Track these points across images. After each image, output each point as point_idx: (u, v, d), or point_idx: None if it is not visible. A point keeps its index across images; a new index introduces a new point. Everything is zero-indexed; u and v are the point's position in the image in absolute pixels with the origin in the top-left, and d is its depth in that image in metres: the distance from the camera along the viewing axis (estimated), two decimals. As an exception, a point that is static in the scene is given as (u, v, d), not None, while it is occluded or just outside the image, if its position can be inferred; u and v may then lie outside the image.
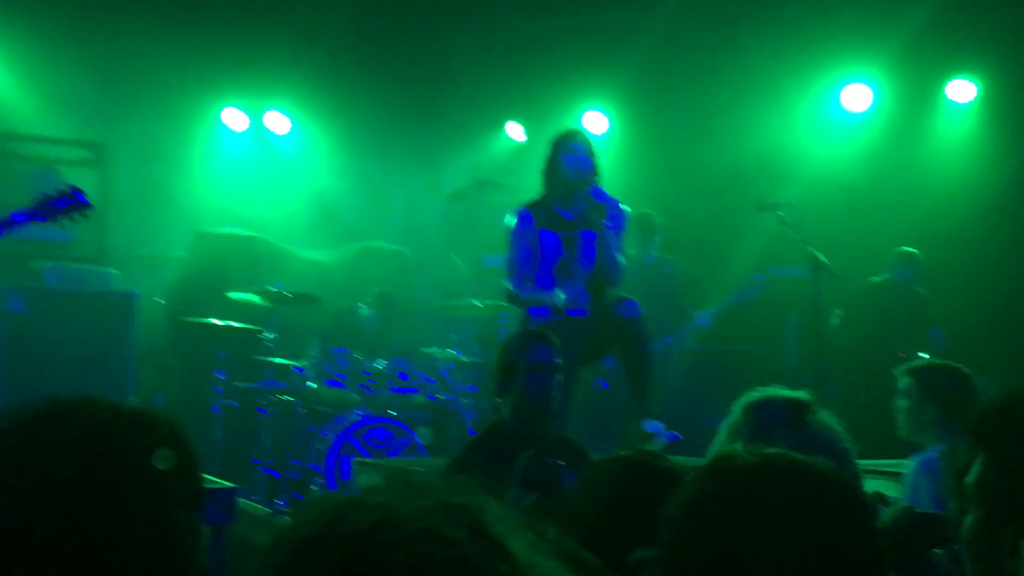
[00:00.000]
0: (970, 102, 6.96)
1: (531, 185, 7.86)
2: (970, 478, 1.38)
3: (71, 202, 3.82)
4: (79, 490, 1.18)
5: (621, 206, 4.56)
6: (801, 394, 2.02)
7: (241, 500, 4.29)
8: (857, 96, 7.17)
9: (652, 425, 4.25)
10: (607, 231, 4.43)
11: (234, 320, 6.18)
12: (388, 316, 6.51)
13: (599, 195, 4.40)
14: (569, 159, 4.42)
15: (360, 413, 5.81)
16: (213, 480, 3.22)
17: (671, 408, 4.97)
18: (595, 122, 8.05)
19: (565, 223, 4.46)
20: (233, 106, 7.88)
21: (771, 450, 1.19)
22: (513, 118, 8.25)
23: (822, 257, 5.08)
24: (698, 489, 1.13)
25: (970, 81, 6.93)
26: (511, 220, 4.55)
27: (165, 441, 1.28)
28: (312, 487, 5.63)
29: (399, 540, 0.61)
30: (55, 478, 1.18)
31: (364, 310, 6.55)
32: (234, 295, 6.10)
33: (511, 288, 4.52)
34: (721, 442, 1.93)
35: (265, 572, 0.63)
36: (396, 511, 0.63)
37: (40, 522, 1.13)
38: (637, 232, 5.91)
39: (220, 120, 7.90)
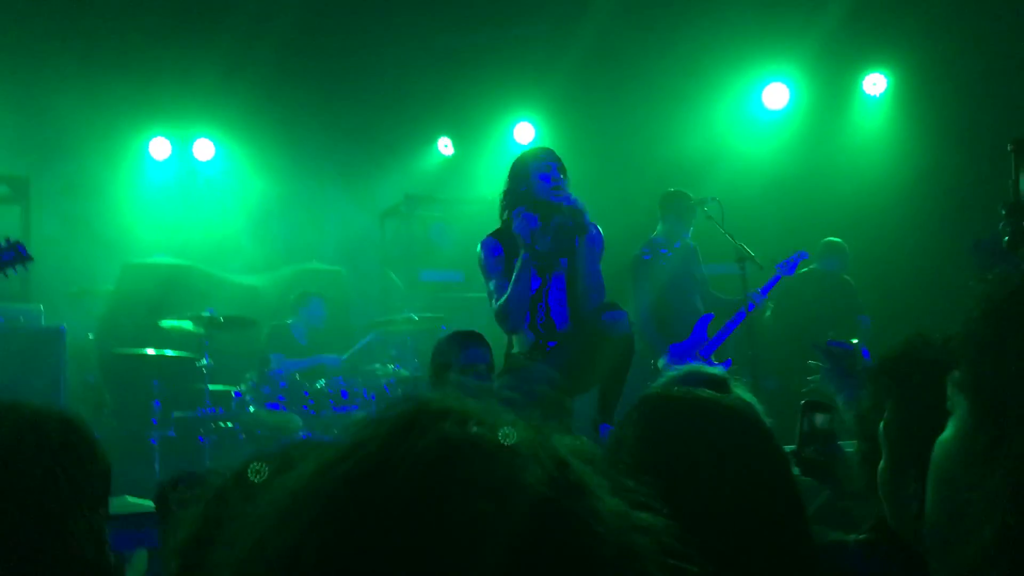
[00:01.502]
0: (881, 95, 7.19)
1: (463, 197, 7.96)
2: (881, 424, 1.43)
3: (13, 255, 3.87)
4: None
5: (595, 227, 4.26)
6: (718, 371, 2.09)
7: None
8: (776, 94, 7.36)
9: (606, 428, 4.16)
10: (584, 251, 4.13)
11: (168, 349, 6.08)
12: (316, 314, 6.45)
13: (574, 210, 4.09)
14: (545, 177, 4.10)
15: (302, 435, 5.74)
16: (153, 506, 3.15)
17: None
18: (523, 133, 8.12)
19: (538, 253, 4.08)
20: (160, 135, 7.77)
21: None
22: (443, 133, 8.28)
23: (748, 250, 5.20)
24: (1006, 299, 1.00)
25: (881, 74, 7.16)
26: (478, 251, 4.22)
27: (57, 443, 1.27)
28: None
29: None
30: None
31: (291, 322, 6.49)
32: (166, 323, 6.00)
33: (500, 305, 4.11)
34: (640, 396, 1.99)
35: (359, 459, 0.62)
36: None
37: None
38: (671, 212, 5.66)
39: (146, 151, 7.78)
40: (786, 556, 1.20)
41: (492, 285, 4.17)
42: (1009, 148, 1.72)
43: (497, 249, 4.15)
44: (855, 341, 5.50)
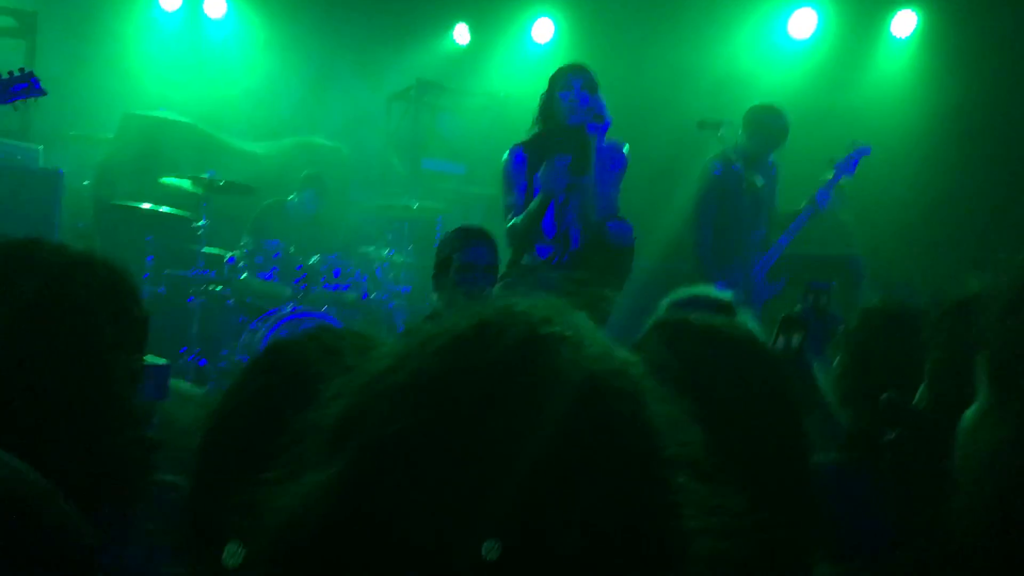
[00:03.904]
0: (911, 34, 7.07)
1: (474, 89, 7.83)
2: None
3: (26, 85, 3.73)
4: (16, 318, 1.18)
5: (623, 148, 4.26)
6: (725, 294, 2.12)
7: (172, 380, 4.28)
8: (803, 22, 7.21)
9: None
10: (604, 177, 4.11)
11: (165, 206, 6.04)
12: (317, 200, 6.41)
13: (597, 137, 4.06)
14: (565, 96, 4.06)
15: (291, 307, 5.79)
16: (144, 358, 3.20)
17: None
18: (543, 29, 7.95)
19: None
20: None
21: None
22: (460, 19, 8.09)
23: (759, 181, 5.18)
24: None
25: (912, 11, 7.02)
26: (503, 158, 4.21)
27: (104, 283, 1.29)
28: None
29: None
30: None
31: (294, 198, 6.45)
32: (166, 180, 5.96)
33: (513, 223, 4.12)
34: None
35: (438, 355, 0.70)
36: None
37: None
38: (752, 126, 5.21)
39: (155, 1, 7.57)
40: (787, 487, 1.26)
41: (510, 200, 4.15)
42: None
43: (522, 159, 4.14)
44: (833, 283, 5.48)
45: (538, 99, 4.29)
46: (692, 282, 5.20)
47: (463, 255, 3.45)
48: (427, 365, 0.68)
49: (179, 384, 5.13)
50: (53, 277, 1.23)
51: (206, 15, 7.75)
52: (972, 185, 6.31)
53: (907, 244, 5.84)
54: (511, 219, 4.12)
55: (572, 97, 4.06)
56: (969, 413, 1.08)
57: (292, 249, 5.97)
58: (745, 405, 1.22)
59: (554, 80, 4.19)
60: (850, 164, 5.19)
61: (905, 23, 7.06)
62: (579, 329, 0.70)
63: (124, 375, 1.26)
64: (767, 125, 5.27)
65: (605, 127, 4.08)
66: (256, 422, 0.99)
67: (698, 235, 5.29)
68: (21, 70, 3.83)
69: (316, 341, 1.08)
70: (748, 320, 2.10)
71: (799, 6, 7.19)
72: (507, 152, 4.22)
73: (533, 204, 4.03)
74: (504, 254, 4.12)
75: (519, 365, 0.66)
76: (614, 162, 4.19)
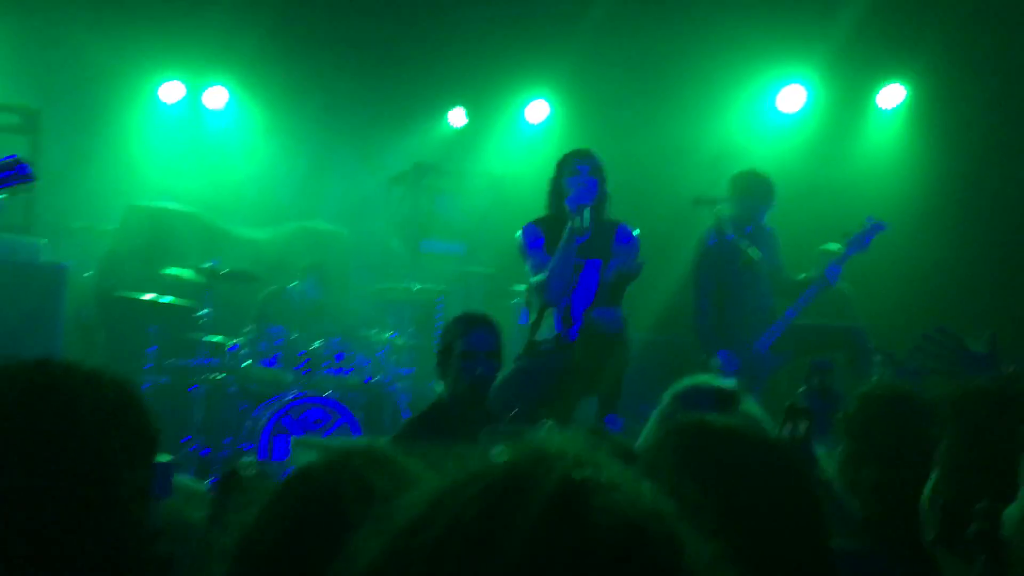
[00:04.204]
0: (898, 106, 7.21)
1: (471, 170, 7.96)
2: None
3: (12, 172, 3.68)
4: (29, 445, 1.19)
5: (633, 232, 4.38)
6: (728, 383, 2.13)
7: (176, 475, 4.24)
8: (792, 97, 7.37)
9: (609, 416, 4.22)
10: (616, 260, 4.25)
11: (167, 296, 6.09)
12: (320, 288, 6.46)
13: (607, 222, 4.28)
14: (573, 181, 4.23)
15: (295, 393, 5.78)
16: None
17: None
18: (538, 110, 8.11)
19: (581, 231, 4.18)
20: (174, 79, 7.72)
21: None
22: (456, 103, 8.26)
23: (755, 254, 5.22)
24: None
25: (900, 85, 7.17)
26: (517, 235, 4.37)
27: (114, 402, 1.30)
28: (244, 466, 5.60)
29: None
30: (6, 432, 1.19)
31: (296, 286, 6.50)
32: (168, 271, 6.01)
33: (540, 276, 4.23)
34: (651, 429, 2.04)
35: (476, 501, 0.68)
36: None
37: None
38: (741, 193, 5.28)
39: (157, 93, 7.74)
40: None
41: (530, 264, 4.29)
42: None
43: (538, 234, 4.30)
44: (836, 359, 5.45)
45: (536, 179, 4.44)
46: (694, 354, 5.28)
47: (465, 342, 3.46)
48: (461, 519, 0.67)
49: (182, 480, 5.09)
50: (63, 403, 1.24)
51: (206, 106, 7.91)
52: (965, 255, 6.36)
53: (904, 315, 5.86)
54: (536, 276, 4.24)
55: (580, 181, 4.20)
56: (1014, 510, 1.09)
57: (295, 335, 5.99)
58: (769, 506, 1.23)
59: (560, 166, 4.35)
60: (864, 239, 5.18)
61: (892, 96, 7.21)
62: (610, 470, 0.70)
63: (135, 494, 1.26)
64: (752, 188, 5.34)
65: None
66: (284, 563, 0.99)
67: (697, 306, 5.31)
68: (10, 157, 3.73)
69: (348, 470, 1.06)
70: (752, 407, 2.11)
71: (788, 82, 7.35)
72: (520, 230, 4.39)
73: (562, 239, 4.14)
74: (511, 335, 4.18)
75: (557, 520, 0.65)
76: (624, 240, 4.33)
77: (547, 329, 4.28)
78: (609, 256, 4.28)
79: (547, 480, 0.67)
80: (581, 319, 4.17)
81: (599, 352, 4.03)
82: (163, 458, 3.16)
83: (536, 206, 4.52)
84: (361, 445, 1.16)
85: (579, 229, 4.13)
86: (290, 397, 5.72)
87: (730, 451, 1.27)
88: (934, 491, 1.43)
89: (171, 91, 7.76)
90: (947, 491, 1.37)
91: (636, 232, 4.43)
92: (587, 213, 4.13)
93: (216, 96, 7.89)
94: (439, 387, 3.57)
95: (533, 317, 4.37)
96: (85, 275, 6.84)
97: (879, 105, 7.25)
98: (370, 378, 6.16)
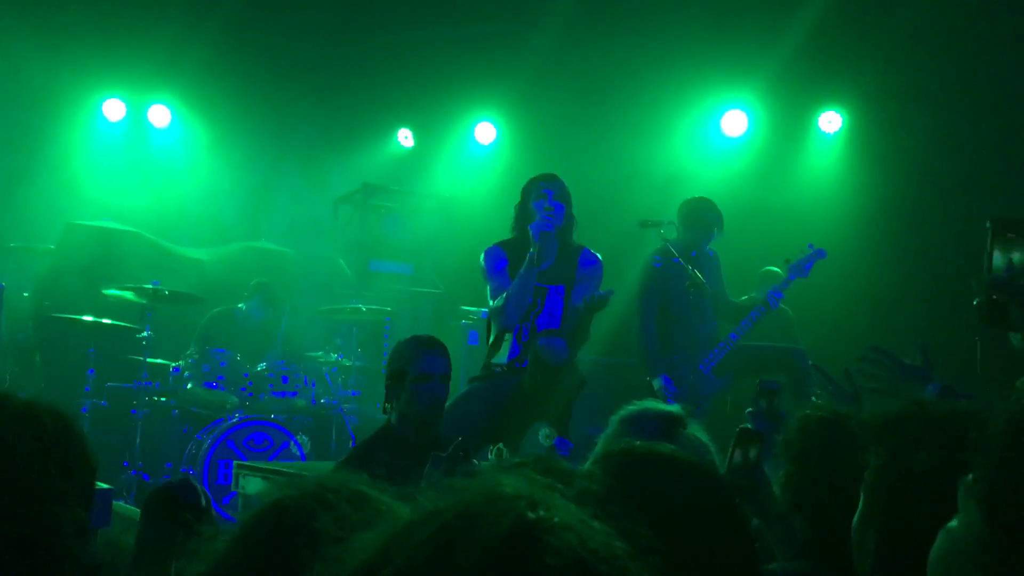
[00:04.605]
0: (837, 131, 7.39)
1: (420, 191, 7.96)
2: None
3: None
4: None
5: (596, 256, 4.45)
6: (674, 408, 2.16)
7: (115, 502, 4.14)
8: (735, 121, 7.51)
9: (559, 440, 4.22)
10: (579, 285, 4.31)
11: (107, 317, 5.97)
12: (266, 309, 6.37)
13: (571, 246, 4.34)
14: (539, 205, 4.26)
15: (239, 416, 5.70)
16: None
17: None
18: (485, 132, 8.15)
19: (541, 258, 4.25)
20: (115, 97, 7.60)
21: None
22: (403, 124, 8.26)
23: (699, 277, 5.29)
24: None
25: (837, 112, 7.36)
26: (480, 259, 4.40)
27: (51, 436, 1.28)
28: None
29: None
30: None
31: (242, 307, 6.41)
32: (108, 291, 5.89)
33: (497, 301, 4.26)
34: (598, 454, 2.06)
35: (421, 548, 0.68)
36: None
37: None
38: (689, 219, 5.37)
39: (99, 111, 7.61)
40: None
41: (491, 286, 4.32)
42: (988, 225, 1.81)
43: (501, 255, 4.34)
44: (782, 382, 5.54)
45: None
46: (641, 376, 5.32)
47: (417, 366, 3.45)
48: (414, 561, 0.66)
49: (121, 507, 4.97)
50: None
51: (151, 124, 7.80)
52: (900, 275, 6.53)
53: (843, 336, 5.99)
54: (495, 300, 4.26)
55: (547, 206, 4.26)
56: (944, 542, 1.11)
57: (239, 357, 5.91)
58: (696, 530, 1.24)
59: (527, 190, 4.39)
60: (805, 266, 5.33)
61: (831, 121, 7.39)
62: (563, 511, 0.70)
63: (73, 529, 1.24)
64: (700, 215, 5.44)
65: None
66: None
67: (642, 328, 5.37)
68: None
69: (324, 504, 1.03)
70: (698, 431, 2.14)
71: (730, 107, 7.49)
72: (484, 252, 4.41)
73: (523, 265, 4.18)
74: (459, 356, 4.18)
75: (509, 562, 0.65)
76: (588, 263, 4.38)
77: (505, 353, 4.30)
78: (573, 281, 4.33)
79: (500, 522, 0.67)
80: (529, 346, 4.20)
81: (548, 379, 4.04)
82: (101, 486, 3.10)
83: (484, 227, 4.56)
84: (335, 478, 1.14)
85: (537, 258, 4.18)
86: (234, 420, 5.63)
87: (656, 477, 1.29)
88: (862, 517, 1.45)
89: (114, 109, 7.64)
90: (877, 518, 1.40)
91: (599, 256, 4.48)
92: (546, 239, 4.18)
93: (160, 114, 7.79)
94: (388, 408, 3.54)
95: (492, 339, 4.39)
96: (23, 295, 6.68)
97: (822, 129, 7.41)
98: (316, 400, 6.09)
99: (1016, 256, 1.80)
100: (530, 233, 4.20)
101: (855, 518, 1.47)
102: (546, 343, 4.05)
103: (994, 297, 1.81)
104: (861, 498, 1.48)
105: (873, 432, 1.49)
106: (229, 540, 1.01)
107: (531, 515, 0.68)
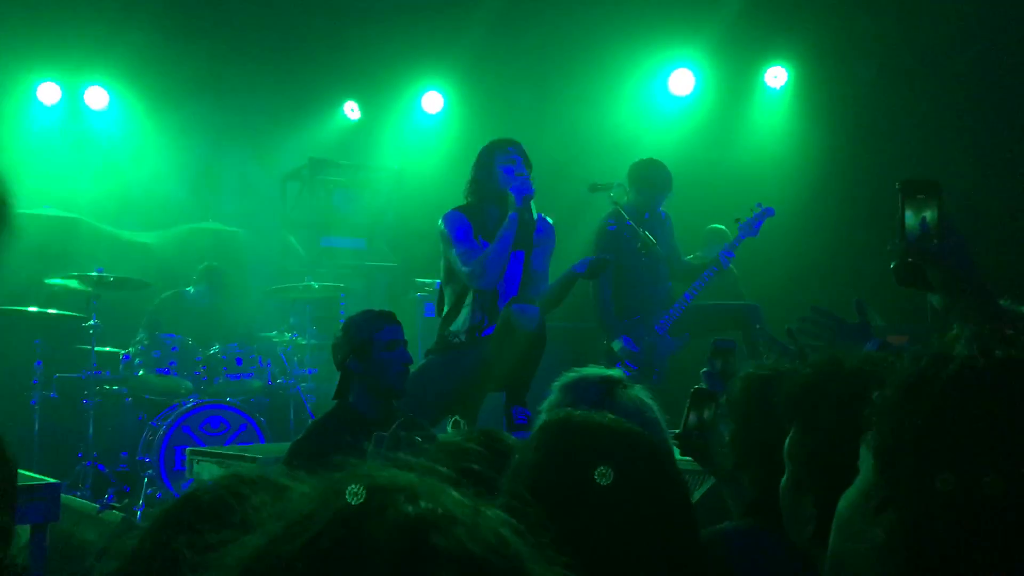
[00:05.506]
0: (783, 87, 7.40)
1: (368, 164, 7.84)
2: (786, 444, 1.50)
3: None
4: None
5: (547, 220, 4.43)
6: (613, 372, 2.15)
7: (64, 496, 4.07)
8: (682, 80, 7.49)
9: (516, 409, 4.19)
10: (537, 250, 4.31)
11: (52, 307, 5.82)
12: (216, 291, 6.27)
13: (537, 216, 4.29)
14: (509, 170, 4.21)
15: (193, 401, 5.61)
16: (34, 476, 3.05)
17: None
18: (433, 101, 8.04)
19: (524, 220, 4.20)
20: (49, 80, 7.37)
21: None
22: (349, 96, 8.12)
23: (650, 238, 5.30)
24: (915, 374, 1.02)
25: (782, 67, 7.36)
26: (439, 224, 4.30)
27: None
28: (144, 479, 5.40)
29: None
30: None
31: (191, 290, 6.30)
32: (52, 281, 5.74)
33: (476, 260, 4.18)
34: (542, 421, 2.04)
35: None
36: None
37: None
38: (640, 182, 5.40)
39: (33, 95, 7.37)
40: (681, 565, 1.27)
41: (458, 250, 4.21)
42: (897, 187, 1.80)
43: (464, 219, 4.25)
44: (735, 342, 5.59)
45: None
46: (598, 340, 5.33)
47: (384, 334, 3.42)
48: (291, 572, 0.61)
49: (72, 501, 4.89)
50: None
51: (87, 106, 7.58)
52: (846, 232, 6.59)
53: (791, 294, 6.03)
54: (472, 259, 4.15)
55: (518, 170, 4.20)
56: (851, 493, 1.10)
57: (191, 341, 5.81)
58: (630, 499, 1.23)
59: (491, 153, 4.30)
60: (754, 225, 5.40)
61: (778, 76, 7.40)
62: (448, 502, 0.65)
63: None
64: (651, 177, 5.47)
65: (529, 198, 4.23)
66: None
67: (599, 292, 5.37)
68: None
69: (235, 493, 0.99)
70: (641, 392, 2.13)
71: (677, 66, 7.47)
72: (442, 218, 4.31)
73: (503, 226, 4.12)
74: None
75: (396, 560, 0.61)
76: (545, 237, 4.37)
77: (462, 321, 4.25)
78: (531, 246, 4.30)
79: (380, 522, 0.63)
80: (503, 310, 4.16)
81: (515, 346, 4.00)
82: (48, 480, 3.02)
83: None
84: (254, 470, 1.09)
85: (529, 220, 4.15)
86: (189, 405, 5.54)
87: (590, 445, 1.27)
88: (792, 485, 1.44)
89: (49, 92, 7.41)
90: (811, 486, 1.39)
91: (551, 220, 4.46)
92: (528, 203, 4.15)
93: (98, 96, 7.57)
94: (355, 380, 3.45)
95: (446, 309, 4.34)
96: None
97: (768, 84, 7.41)
98: (272, 380, 6.02)
99: (928, 215, 1.79)
100: (511, 196, 4.13)
101: (782, 485, 1.46)
102: (519, 309, 4.00)
103: (909, 260, 1.81)
104: (787, 466, 1.47)
105: (786, 400, 1.47)
106: (139, 536, 0.97)
107: (413, 510, 0.63)
